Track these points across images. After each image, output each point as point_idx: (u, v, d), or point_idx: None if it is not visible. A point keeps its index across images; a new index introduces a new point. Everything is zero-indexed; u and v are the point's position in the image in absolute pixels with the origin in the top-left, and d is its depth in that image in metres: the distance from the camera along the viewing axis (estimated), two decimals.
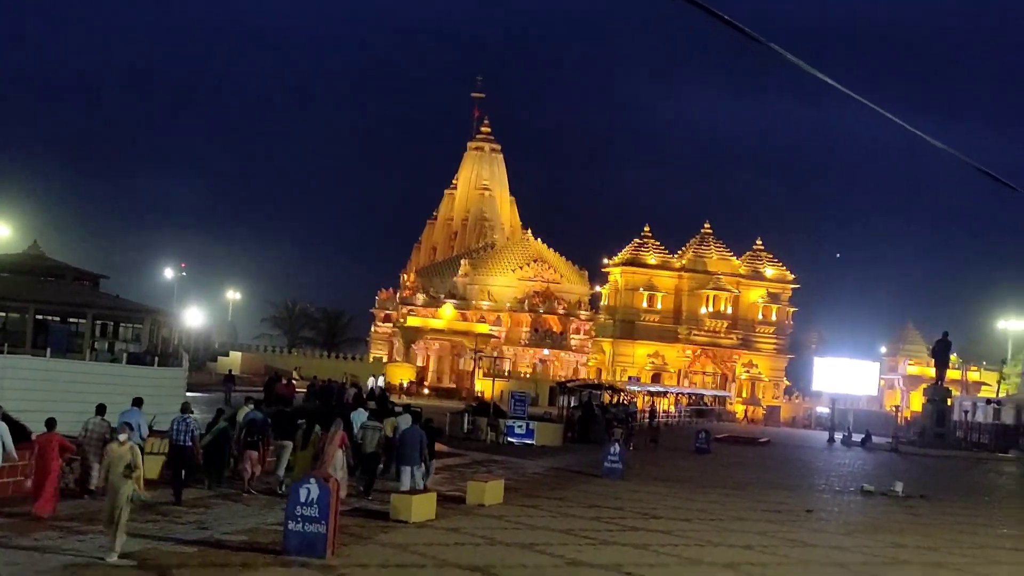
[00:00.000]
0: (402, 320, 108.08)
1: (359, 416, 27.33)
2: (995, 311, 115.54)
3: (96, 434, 21.12)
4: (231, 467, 24.39)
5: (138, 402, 23.34)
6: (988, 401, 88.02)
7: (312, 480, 16.71)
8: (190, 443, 22.03)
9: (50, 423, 19.49)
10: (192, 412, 22.94)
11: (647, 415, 67.62)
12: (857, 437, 70.37)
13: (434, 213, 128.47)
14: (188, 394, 36.17)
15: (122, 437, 16.69)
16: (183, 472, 21.84)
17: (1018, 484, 47.54)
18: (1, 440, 19.41)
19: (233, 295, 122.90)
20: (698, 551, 19.73)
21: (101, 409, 21.74)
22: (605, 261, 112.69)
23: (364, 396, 49.80)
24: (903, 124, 13.68)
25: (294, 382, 59.78)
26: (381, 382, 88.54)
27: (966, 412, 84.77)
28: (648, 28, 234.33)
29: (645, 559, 18.46)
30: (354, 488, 24.14)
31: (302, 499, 16.40)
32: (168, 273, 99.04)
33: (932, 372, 77.19)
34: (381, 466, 26.11)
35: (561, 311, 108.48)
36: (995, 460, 64.58)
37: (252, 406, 25.65)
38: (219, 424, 24.06)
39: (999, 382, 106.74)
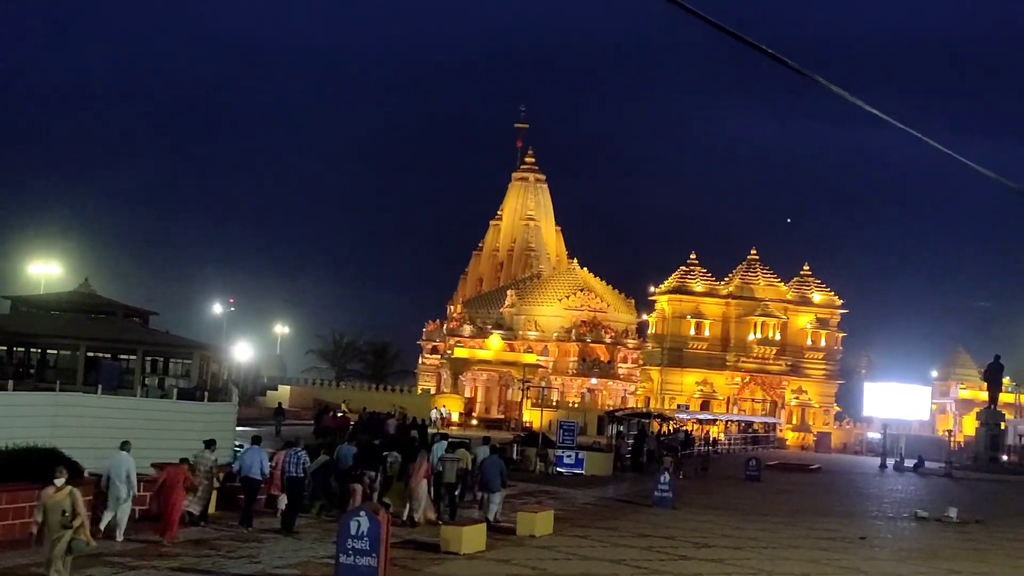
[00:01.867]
0: (449, 352, 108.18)
1: (440, 448, 28.40)
2: None
3: (204, 466, 22.83)
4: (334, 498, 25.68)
5: (257, 440, 24.71)
6: None
7: (362, 512, 16.74)
8: (302, 474, 23.52)
9: (182, 460, 21.64)
10: (301, 446, 24.67)
11: (705, 443, 67.36)
12: (909, 462, 69.74)
13: (480, 244, 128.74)
14: (239, 428, 36.34)
15: (58, 481, 15.08)
16: (296, 502, 23.23)
17: None
18: (127, 473, 20.68)
19: (281, 329, 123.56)
20: None
21: (211, 444, 23.56)
22: (652, 289, 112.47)
23: (407, 426, 50.20)
24: (937, 145, 13.61)
25: (340, 414, 60.09)
26: (445, 412, 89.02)
27: (1020, 436, 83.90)
28: (690, 50, 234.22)
29: None
30: (436, 514, 25.46)
31: (352, 532, 16.43)
32: (217, 308, 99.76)
33: (984, 396, 76.40)
34: (458, 493, 27.50)
35: (608, 340, 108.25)
36: None
37: (347, 442, 28.02)
38: (321, 457, 25.52)
39: None
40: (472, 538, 20.83)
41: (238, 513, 23.21)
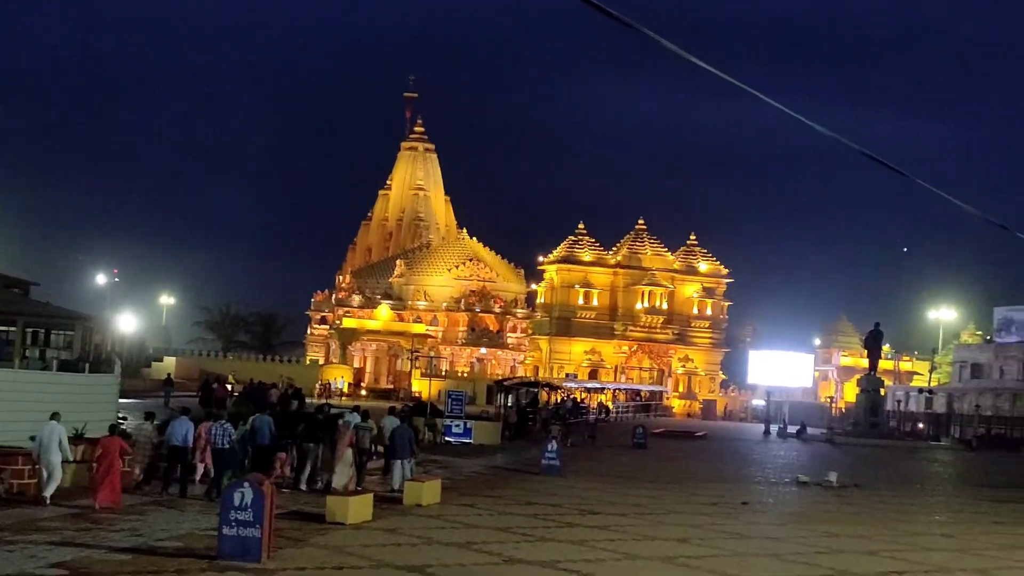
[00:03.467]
0: (338, 322, 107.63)
1: (353, 418, 28.38)
2: (926, 302, 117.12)
3: (144, 438, 24.18)
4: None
5: (185, 411, 25.44)
6: (920, 390, 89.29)
7: (246, 484, 16.60)
8: (228, 445, 24.11)
9: (112, 428, 22.63)
10: (226, 418, 25.66)
11: (597, 411, 67.99)
12: (792, 429, 71.08)
13: (369, 214, 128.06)
14: (122, 400, 35.78)
15: None
16: (225, 473, 23.44)
17: (950, 472, 48.17)
18: (60, 440, 21.33)
19: (167, 300, 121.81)
20: (635, 545, 19.82)
21: (150, 416, 25.34)
22: (540, 259, 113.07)
23: (288, 396, 50.64)
24: (807, 122, 13.79)
25: (228, 386, 59.68)
26: (341, 383, 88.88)
27: (899, 402, 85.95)
28: (579, 25, 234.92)
29: (582, 555, 18.51)
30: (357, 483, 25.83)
31: (236, 503, 16.27)
32: (100, 279, 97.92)
33: (865, 363, 78.05)
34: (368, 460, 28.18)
35: (497, 310, 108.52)
36: (928, 448, 65.48)
37: (258, 413, 27.84)
38: (240, 428, 25.82)
39: (931, 371, 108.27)
40: (358, 508, 20.76)
41: (159, 482, 23.83)
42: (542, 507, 24.80)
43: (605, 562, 18.06)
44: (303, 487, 25.35)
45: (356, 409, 31.11)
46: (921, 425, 78.34)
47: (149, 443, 24.22)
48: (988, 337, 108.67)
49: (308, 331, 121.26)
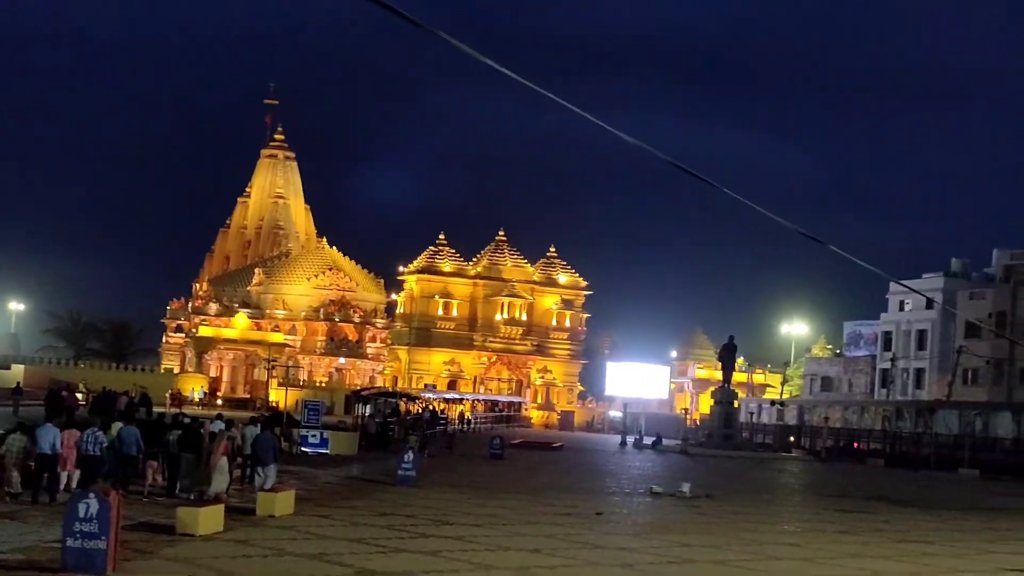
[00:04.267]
0: (194, 330, 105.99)
1: (217, 426, 28.80)
2: (779, 316, 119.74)
3: (15, 448, 23.87)
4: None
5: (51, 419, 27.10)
6: (772, 402, 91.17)
7: (91, 495, 16.22)
8: (99, 453, 24.65)
9: None
10: (98, 426, 25.96)
11: (456, 422, 67.97)
12: (648, 440, 71.91)
13: (227, 221, 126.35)
14: None
15: None
16: (91, 481, 23.41)
17: (799, 482, 49.17)
18: None
19: (16, 306, 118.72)
20: (488, 556, 19.84)
21: (21, 426, 25.16)
22: (401, 269, 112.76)
23: (135, 404, 50.32)
24: (612, 130, 14.01)
25: (77, 395, 58.63)
26: (202, 394, 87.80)
27: (752, 414, 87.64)
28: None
29: (436, 565, 18.46)
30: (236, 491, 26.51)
31: (81, 514, 15.89)
32: None
33: (720, 375, 79.37)
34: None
35: (357, 319, 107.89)
36: (779, 459, 66.82)
37: (123, 423, 28.08)
38: (107, 435, 25.82)
39: (783, 384, 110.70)
40: (209, 519, 20.43)
41: (28, 490, 23.64)
42: (397, 518, 24.68)
43: (459, 572, 18.04)
44: (183, 495, 25.51)
45: (220, 417, 30.87)
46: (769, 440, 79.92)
47: (23, 452, 23.94)
48: (838, 351, 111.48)
49: (164, 339, 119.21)
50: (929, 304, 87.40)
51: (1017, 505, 39.97)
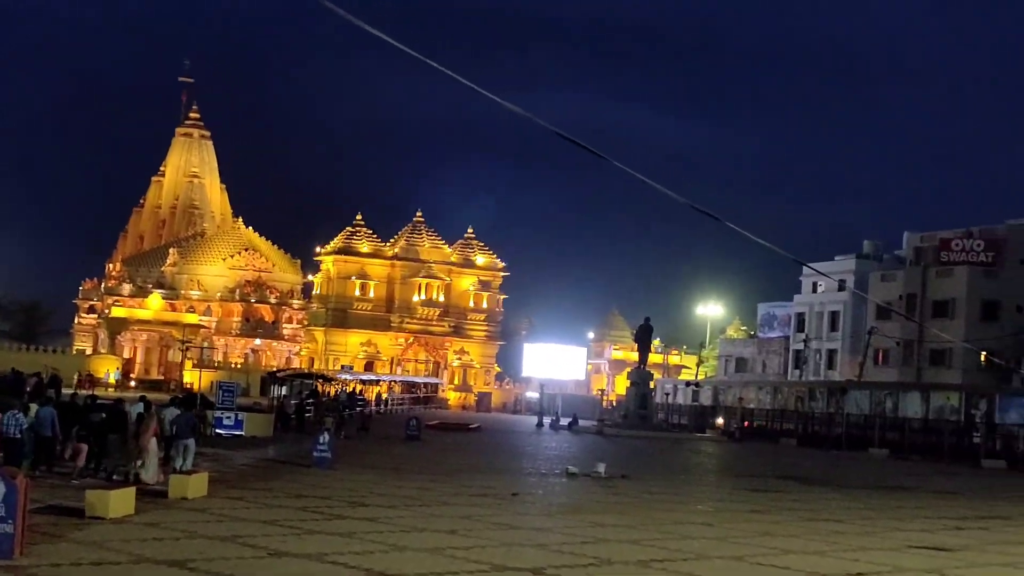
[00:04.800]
0: (107, 311, 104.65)
1: (136, 408, 28.91)
2: (695, 298, 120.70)
3: None
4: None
5: None
6: (687, 383, 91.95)
7: None
8: (20, 435, 24.81)
9: None
10: (18, 408, 26.18)
11: (368, 403, 67.73)
12: (564, 421, 72.21)
13: (142, 200, 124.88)
14: None
15: None
16: (15, 463, 23.21)
17: (713, 462, 49.69)
18: None
19: None
20: (403, 537, 19.81)
21: None
22: (318, 250, 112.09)
23: (44, 384, 49.87)
24: (498, 100, 14.05)
25: None
26: (118, 375, 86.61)
27: (667, 394, 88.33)
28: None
29: (350, 547, 18.41)
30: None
31: None
32: None
33: (636, 356, 79.84)
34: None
35: (273, 300, 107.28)
36: (694, 440, 67.45)
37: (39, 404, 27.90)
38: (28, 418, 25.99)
39: (698, 365, 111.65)
40: (120, 502, 20.18)
41: None
42: (311, 500, 24.58)
43: (373, 554, 18.00)
44: (113, 476, 25.56)
45: (143, 400, 30.64)
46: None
47: None
48: (752, 333, 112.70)
49: (76, 320, 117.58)
50: (841, 286, 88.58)
51: (925, 484, 40.68)
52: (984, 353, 68.68)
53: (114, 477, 25.65)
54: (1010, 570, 20.24)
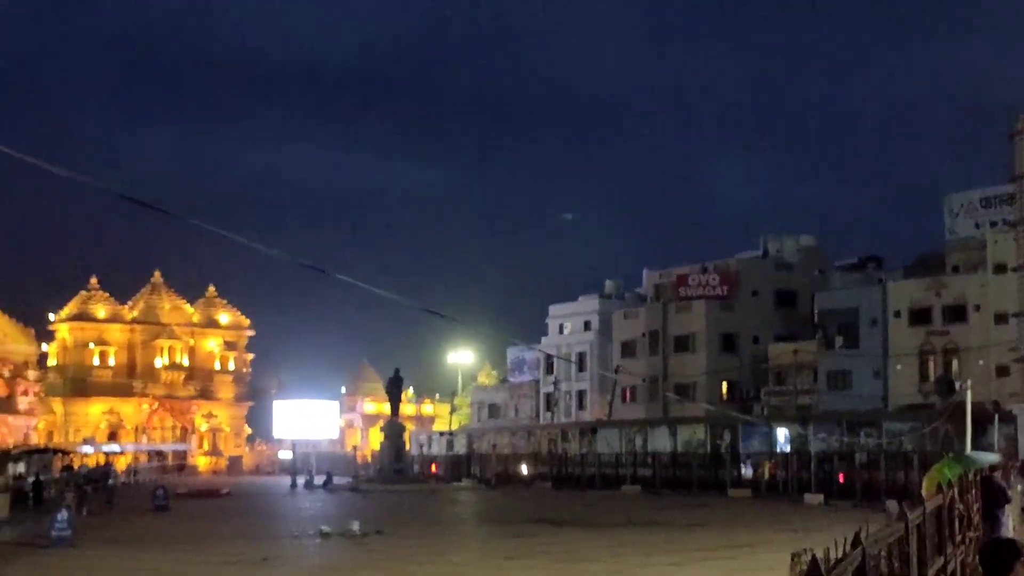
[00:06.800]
0: None
1: None
2: (445, 345, 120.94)
3: None
4: None
5: None
6: (442, 434, 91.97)
7: None
8: None
9: None
10: None
11: (112, 476, 65.20)
12: (319, 480, 71.17)
13: None
14: None
15: None
16: None
17: (469, 511, 49.67)
18: None
19: None
20: None
21: None
22: (51, 317, 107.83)
23: None
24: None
25: None
26: None
27: (422, 445, 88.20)
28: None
29: None
30: None
31: None
32: None
33: (388, 409, 79.48)
34: None
35: (7, 374, 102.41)
36: (450, 490, 67.39)
37: None
38: None
39: (451, 413, 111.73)
40: None
41: None
42: None
43: None
44: None
45: None
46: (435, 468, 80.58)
47: None
48: (503, 377, 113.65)
49: None
50: (587, 326, 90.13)
51: (673, 518, 41.50)
52: (725, 383, 70.87)
53: None
54: None
